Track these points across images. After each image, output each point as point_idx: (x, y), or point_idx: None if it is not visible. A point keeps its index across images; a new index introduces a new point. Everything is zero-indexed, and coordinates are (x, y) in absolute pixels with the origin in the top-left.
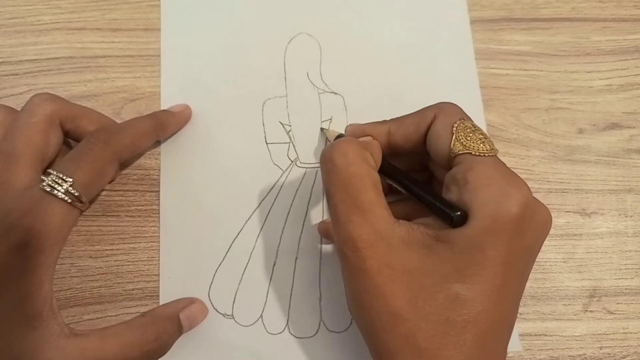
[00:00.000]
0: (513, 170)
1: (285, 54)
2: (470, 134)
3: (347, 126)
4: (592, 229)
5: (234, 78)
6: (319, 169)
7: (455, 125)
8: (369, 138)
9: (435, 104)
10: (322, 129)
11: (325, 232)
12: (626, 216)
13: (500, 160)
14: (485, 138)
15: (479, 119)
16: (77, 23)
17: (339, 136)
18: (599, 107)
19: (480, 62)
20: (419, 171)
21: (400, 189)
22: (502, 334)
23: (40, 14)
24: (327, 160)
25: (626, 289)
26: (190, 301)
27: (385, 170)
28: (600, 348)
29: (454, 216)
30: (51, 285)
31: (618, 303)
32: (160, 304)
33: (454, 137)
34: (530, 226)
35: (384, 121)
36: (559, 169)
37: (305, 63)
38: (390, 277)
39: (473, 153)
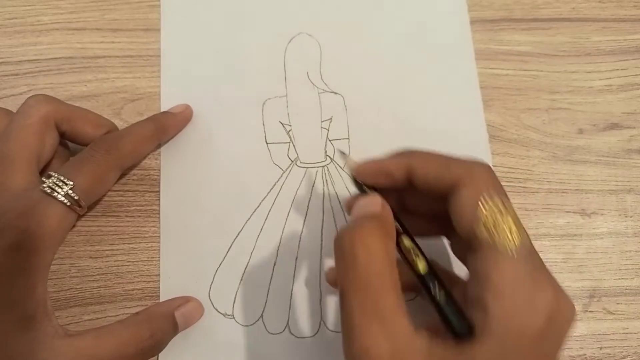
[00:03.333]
0: (514, 170)
1: (285, 53)
2: (499, 217)
3: (357, 166)
4: (592, 229)
5: (234, 78)
6: (319, 168)
7: (482, 201)
8: (387, 210)
9: (466, 159)
10: (341, 152)
11: (334, 282)
12: (626, 216)
13: (527, 255)
14: (515, 225)
15: (479, 119)
16: (77, 23)
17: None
18: (599, 107)
19: (480, 62)
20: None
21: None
22: None
23: (40, 14)
24: (347, 250)
25: (626, 289)
26: (185, 300)
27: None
28: (600, 348)
29: (458, 333)
30: (45, 288)
31: (618, 303)
32: None
33: (480, 219)
34: (555, 330)
35: (405, 153)
36: (559, 169)
37: (305, 63)
38: None
39: (500, 248)
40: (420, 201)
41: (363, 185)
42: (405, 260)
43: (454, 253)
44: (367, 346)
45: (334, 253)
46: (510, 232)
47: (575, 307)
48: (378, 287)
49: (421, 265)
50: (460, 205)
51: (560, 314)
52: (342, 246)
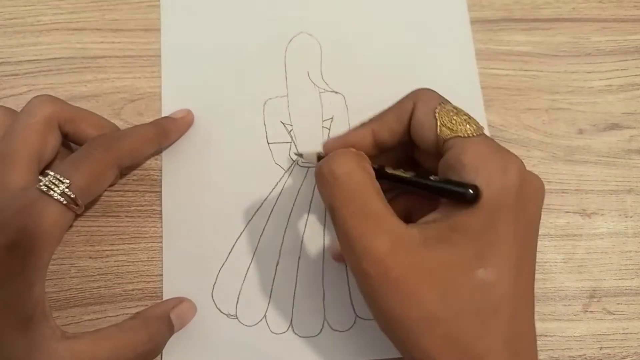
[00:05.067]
0: None
1: (286, 53)
2: (455, 117)
3: (324, 143)
4: (592, 229)
5: (234, 78)
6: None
7: (437, 110)
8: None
9: (412, 92)
10: (298, 154)
11: (339, 256)
12: (626, 217)
13: (488, 137)
14: (469, 118)
15: (480, 119)
16: (77, 23)
17: (320, 155)
18: (599, 107)
19: (480, 62)
20: (404, 165)
21: (402, 187)
22: (529, 308)
23: (40, 14)
24: (327, 173)
25: (626, 289)
26: (179, 300)
27: (380, 175)
28: (600, 348)
29: (467, 192)
30: (42, 288)
31: (618, 303)
32: None
33: (438, 122)
34: (529, 195)
35: (363, 123)
36: (559, 170)
37: (305, 62)
38: (418, 282)
39: (462, 135)
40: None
41: None
42: (394, 180)
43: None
44: (365, 245)
45: (317, 185)
46: (468, 123)
47: (575, 307)
48: (363, 193)
49: (410, 174)
50: (419, 120)
51: (530, 180)
52: (322, 173)
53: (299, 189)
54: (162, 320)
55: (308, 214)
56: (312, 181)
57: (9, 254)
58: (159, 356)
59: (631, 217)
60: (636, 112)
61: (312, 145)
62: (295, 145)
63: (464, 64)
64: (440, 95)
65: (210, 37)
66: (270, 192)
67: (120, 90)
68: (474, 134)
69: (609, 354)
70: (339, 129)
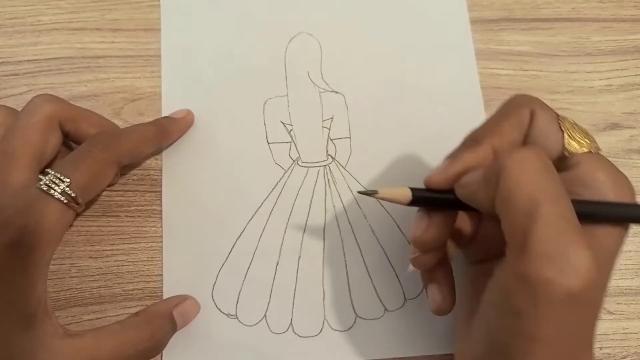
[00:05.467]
0: None
1: (286, 53)
2: (578, 131)
3: (429, 176)
4: None
5: (234, 78)
6: (321, 167)
7: (560, 121)
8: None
9: (517, 98)
10: (375, 195)
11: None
12: None
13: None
14: (587, 132)
15: (480, 119)
16: (77, 23)
17: (414, 191)
18: (599, 107)
19: (480, 62)
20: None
21: None
22: None
23: (40, 14)
24: (536, 159)
25: (626, 289)
26: (182, 298)
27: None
28: (600, 348)
29: None
30: (44, 286)
31: (618, 303)
32: None
33: (565, 135)
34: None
35: (474, 140)
36: None
37: (305, 62)
38: (593, 305)
39: (593, 151)
40: None
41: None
42: None
43: None
44: (578, 256)
45: (513, 171)
46: (588, 138)
47: None
48: (567, 197)
49: None
50: (542, 129)
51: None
52: (529, 157)
53: (299, 188)
54: (165, 318)
55: (308, 213)
56: (312, 181)
57: (11, 252)
58: (159, 356)
59: None
60: (636, 112)
61: (312, 145)
62: (296, 145)
63: (464, 64)
64: (550, 108)
65: (210, 37)
66: (270, 192)
67: (120, 90)
68: (598, 150)
69: (609, 354)
70: (339, 128)
